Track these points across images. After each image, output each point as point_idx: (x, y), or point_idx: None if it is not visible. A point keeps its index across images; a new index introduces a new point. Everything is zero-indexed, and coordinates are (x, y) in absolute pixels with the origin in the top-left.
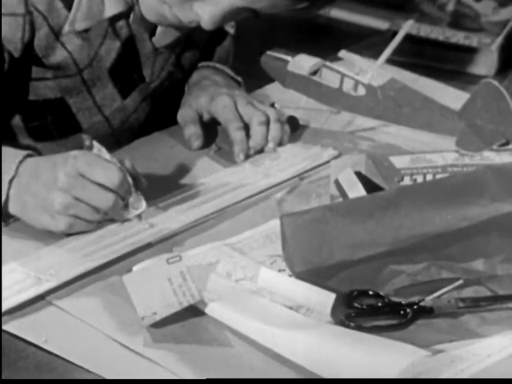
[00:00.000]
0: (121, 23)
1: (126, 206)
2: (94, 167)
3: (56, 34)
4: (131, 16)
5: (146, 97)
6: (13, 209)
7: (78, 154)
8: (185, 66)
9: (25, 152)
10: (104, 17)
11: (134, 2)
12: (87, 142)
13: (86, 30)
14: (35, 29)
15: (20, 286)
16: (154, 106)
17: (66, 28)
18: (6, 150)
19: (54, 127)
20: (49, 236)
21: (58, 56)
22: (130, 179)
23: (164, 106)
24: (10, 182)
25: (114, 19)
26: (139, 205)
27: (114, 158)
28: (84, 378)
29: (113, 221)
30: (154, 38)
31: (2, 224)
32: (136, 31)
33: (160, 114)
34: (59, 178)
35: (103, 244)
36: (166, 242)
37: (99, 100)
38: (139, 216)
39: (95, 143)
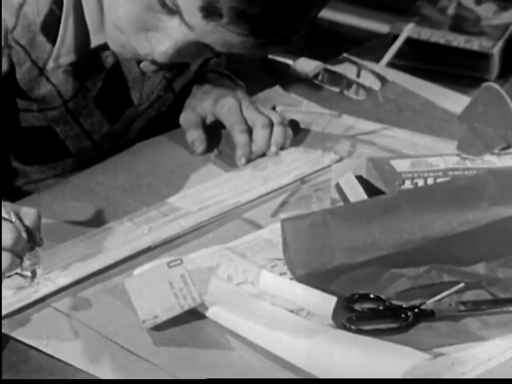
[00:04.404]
0: (106, 53)
1: (21, 263)
2: None
3: (40, 68)
4: None
5: (135, 119)
6: None
7: None
8: (176, 90)
9: None
10: (89, 49)
11: None
12: None
13: (70, 64)
14: (15, 63)
15: (20, 289)
16: (145, 128)
17: (51, 64)
18: None
19: (42, 152)
20: (48, 240)
21: (43, 89)
22: (24, 235)
23: (155, 128)
24: None
25: (99, 50)
26: (34, 261)
27: (11, 212)
28: (84, 379)
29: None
30: (141, 64)
31: None
32: (122, 58)
33: (151, 134)
34: None
35: (103, 248)
36: (166, 246)
37: (87, 127)
38: (34, 272)
39: None
